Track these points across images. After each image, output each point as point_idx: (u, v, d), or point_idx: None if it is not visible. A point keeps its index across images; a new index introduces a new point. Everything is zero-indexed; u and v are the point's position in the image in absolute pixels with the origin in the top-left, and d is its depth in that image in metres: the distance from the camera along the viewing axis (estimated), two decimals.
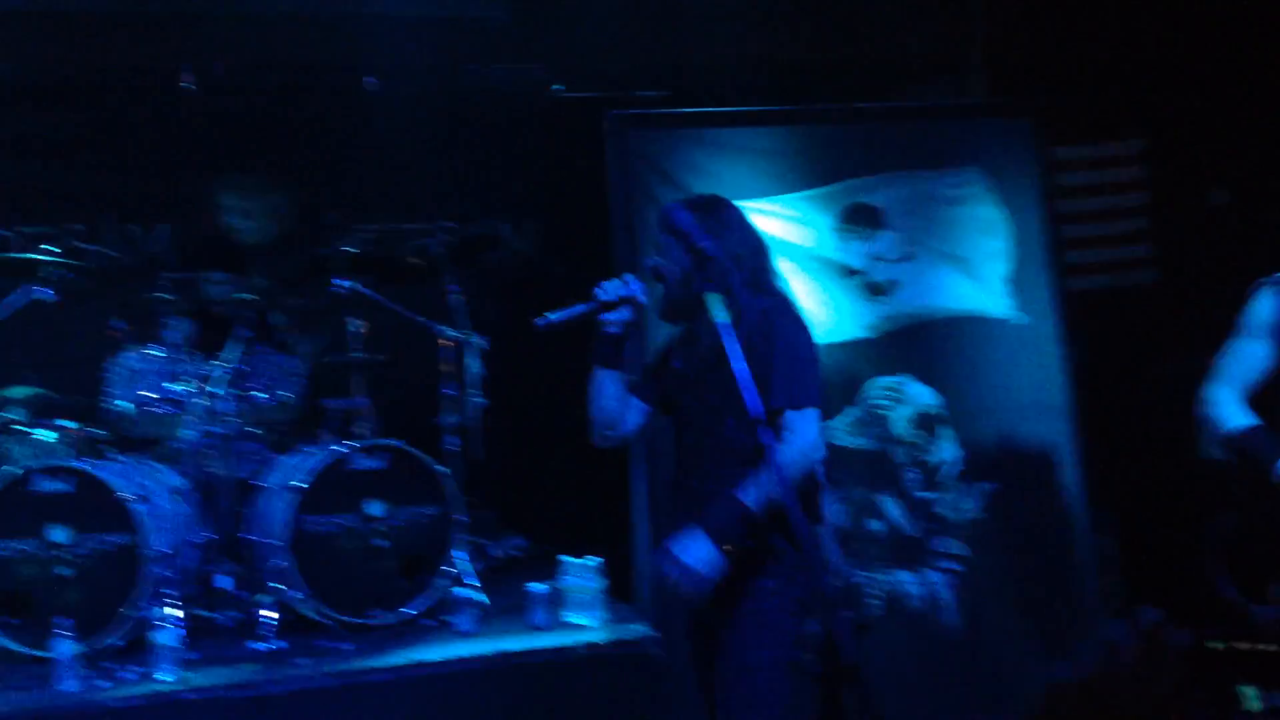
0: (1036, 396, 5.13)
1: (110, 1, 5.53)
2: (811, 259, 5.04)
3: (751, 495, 2.91)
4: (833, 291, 5.04)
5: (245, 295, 5.24)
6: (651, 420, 3.36)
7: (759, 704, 2.97)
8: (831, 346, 4.95)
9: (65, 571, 4.44)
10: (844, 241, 5.11)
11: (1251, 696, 3.56)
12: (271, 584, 4.64)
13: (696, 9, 5.69)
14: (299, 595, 4.60)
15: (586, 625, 4.53)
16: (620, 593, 4.85)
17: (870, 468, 4.97)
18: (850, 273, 5.08)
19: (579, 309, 3.11)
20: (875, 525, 4.98)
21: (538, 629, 4.56)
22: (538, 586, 4.65)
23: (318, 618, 4.58)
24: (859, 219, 5.14)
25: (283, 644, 4.47)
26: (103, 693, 4.04)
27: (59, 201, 6.19)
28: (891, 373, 5.04)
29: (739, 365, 2.84)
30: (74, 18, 5.29)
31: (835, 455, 4.88)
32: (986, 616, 4.88)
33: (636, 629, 4.51)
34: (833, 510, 4.88)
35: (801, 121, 5.25)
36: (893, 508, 5.00)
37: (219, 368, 5.04)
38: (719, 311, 2.96)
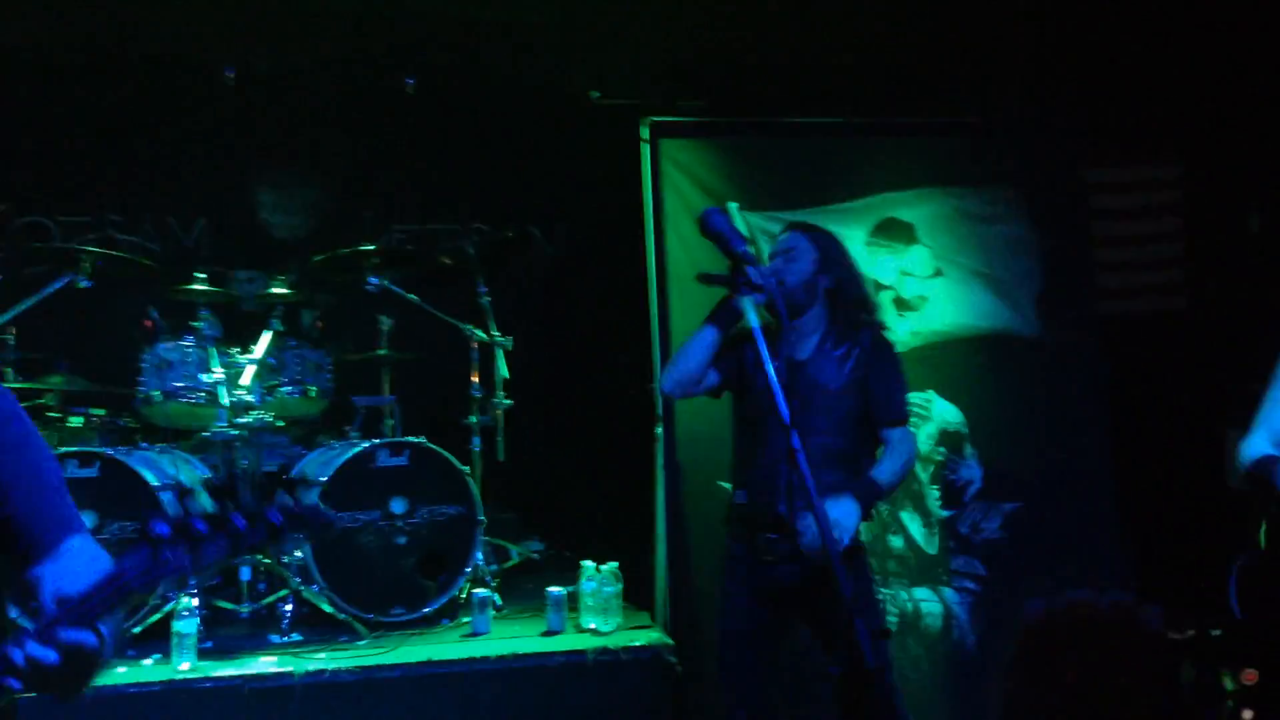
0: (1063, 418, 5.10)
1: None
2: None
3: (884, 479, 3.47)
4: None
5: (278, 290, 5.30)
6: (715, 392, 3.66)
7: None
8: None
9: None
10: (875, 256, 5.10)
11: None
12: (292, 578, 4.68)
13: (735, 17, 5.67)
14: (316, 589, 4.63)
15: (601, 630, 4.55)
16: (637, 599, 4.86)
17: None
18: (880, 287, 5.08)
19: (726, 276, 3.13)
20: (895, 541, 4.96)
21: (553, 632, 4.58)
22: (556, 590, 4.67)
23: (335, 612, 4.61)
24: (891, 234, 5.14)
25: (297, 637, 4.52)
26: (119, 677, 4.09)
27: (98, 191, 6.24)
28: (917, 389, 5.01)
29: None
30: None
31: None
32: (1004, 637, 4.84)
33: (651, 635, 4.52)
34: None
35: (837, 135, 5.24)
36: (914, 524, 4.98)
37: (250, 361, 5.09)
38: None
